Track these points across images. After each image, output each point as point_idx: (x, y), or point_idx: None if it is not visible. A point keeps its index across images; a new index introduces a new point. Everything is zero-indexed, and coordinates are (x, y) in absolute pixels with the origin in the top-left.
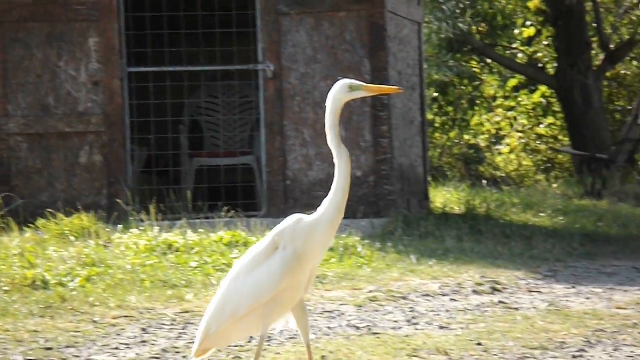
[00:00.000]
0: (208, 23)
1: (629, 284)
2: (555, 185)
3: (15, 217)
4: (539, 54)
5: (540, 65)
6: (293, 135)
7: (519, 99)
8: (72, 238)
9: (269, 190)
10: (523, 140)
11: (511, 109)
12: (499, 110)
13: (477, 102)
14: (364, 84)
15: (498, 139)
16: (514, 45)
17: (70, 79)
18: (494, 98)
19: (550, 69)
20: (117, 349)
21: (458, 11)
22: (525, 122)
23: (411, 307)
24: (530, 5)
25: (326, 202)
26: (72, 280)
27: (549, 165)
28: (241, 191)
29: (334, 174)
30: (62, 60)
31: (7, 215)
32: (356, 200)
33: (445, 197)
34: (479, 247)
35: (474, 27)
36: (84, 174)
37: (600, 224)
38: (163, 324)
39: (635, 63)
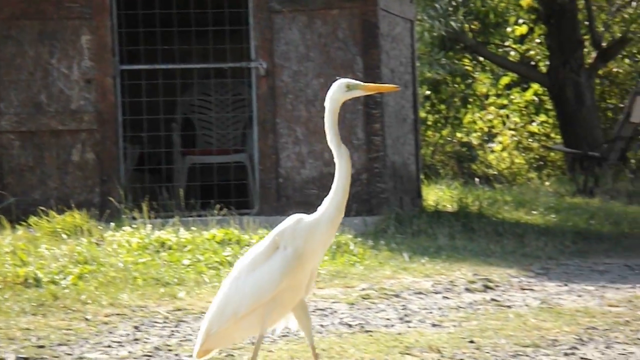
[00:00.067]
0: (200, 20)
1: (621, 281)
2: (547, 183)
3: (8, 214)
4: (531, 52)
5: (532, 63)
6: (285, 133)
7: (511, 97)
8: (65, 236)
9: (262, 188)
10: (515, 138)
11: (503, 106)
12: (492, 108)
13: (470, 100)
14: (362, 83)
15: (490, 136)
16: (506, 43)
17: (62, 76)
18: (487, 96)
19: (543, 66)
20: (109, 346)
21: (450, 9)
22: (517, 119)
23: (403, 305)
24: (523, 3)
25: (326, 202)
26: (65, 278)
27: (541, 163)
28: (234, 189)
29: (326, 171)
30: (55, 57)
31: (0, 213)
32: (349, 197)
33: (438, 195)
34: (471, 244)
35: (466, 25)
36: (76, 172)
37: (592, 222)
38: (155, 322)
39: (627, 61)
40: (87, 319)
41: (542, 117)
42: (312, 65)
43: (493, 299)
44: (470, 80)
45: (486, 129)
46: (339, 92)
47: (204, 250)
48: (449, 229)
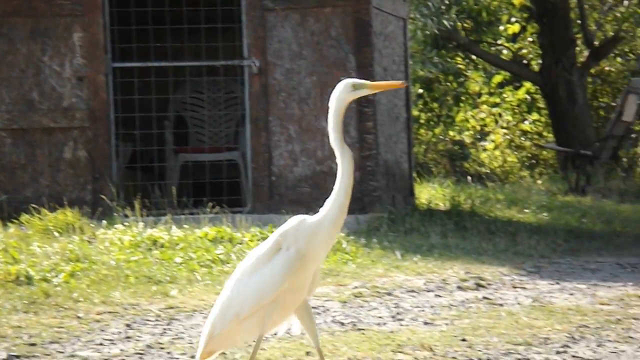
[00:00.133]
0: (193, 18)
1: (613, 279)
2: (539, 182)
3: None
4: (524, 51)
5: (524, 61)
6: (278, 131)
7: (504, 96)
8: (56, 233)
9: (254, 186)
10: (508, 137)
11: (496, 105)
12: (484, 107)
13: (462, 98)
14: (367, 82)
15: (483, 135)
16: (499, 42)
17: (54, 74)
18: (479, 94)
19: (535, 65)
20: (101, 344)
21: (443, 7)
22: (509, 118)
23: (396, 303)
24: (515, 1)
25: (329, 203)
26: (56, 276)
27: (534, 161)
28: (226, 187)
29: (318, 170)
30: (46, 55)
31: None
32: None
33: (430, 193)
34: (463, 243)
35: (459, 24)
36: (68, 170)
37: (584, 220)
38: (147, 320)
39: (619, 59)
40: (79, 317)
41: (535, 116)
42: (305, 63)
43: (485, 297)
44: (462, 79)
45: (478, 128)
46: (345, 92)
47: (196, 248)
48: (441, 227)
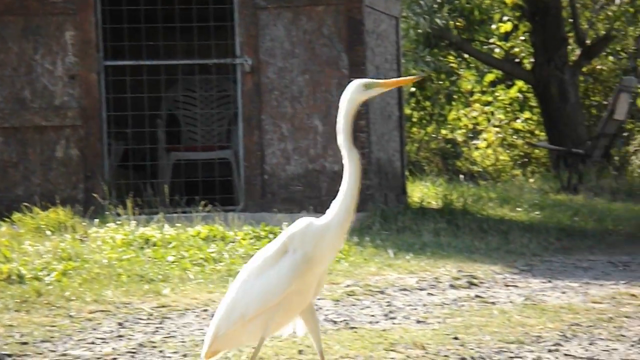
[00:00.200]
0: (185, 16)
1: (605, 278)
2: (531, 180)
3: None
4: (516, 49)
5: (517, 60)
6: (271, 130)
7: (496, 94)
8: (48, 232)
9: (247, 185)
10: (500, 135)
11: (488, 103)
12: (476, 105)
13: (455, 96)
14: (379, 80)
15: (475, 133)
16: (491, 40)
17: (46, 72)
18: (471, 93)
19: (527, 64)
20: (93, 343)
21: (435, 6)
22: (502, 116)
23: (388, 302)
24: (507, 0)
25: (336, 205)
26: (48, 275)
27: (526, 160)
28: (218, 185)
29: (311, 168)
30: (38, 53)
31: None
32: (334, 194)
33: (423, 192)
34: (455, 241)
35: (451, 22)
36: (60, 168)
37: (576, 219)
38: (139, 319)
39: (611, 58)
40: (70, 316)
41: (527, 114)
42: (298, 61)
43: (477, 296)
44: (455, 77)
45: (471, 126)
46: (356, 92)
47: (188, 247)
48: (433, 225)
